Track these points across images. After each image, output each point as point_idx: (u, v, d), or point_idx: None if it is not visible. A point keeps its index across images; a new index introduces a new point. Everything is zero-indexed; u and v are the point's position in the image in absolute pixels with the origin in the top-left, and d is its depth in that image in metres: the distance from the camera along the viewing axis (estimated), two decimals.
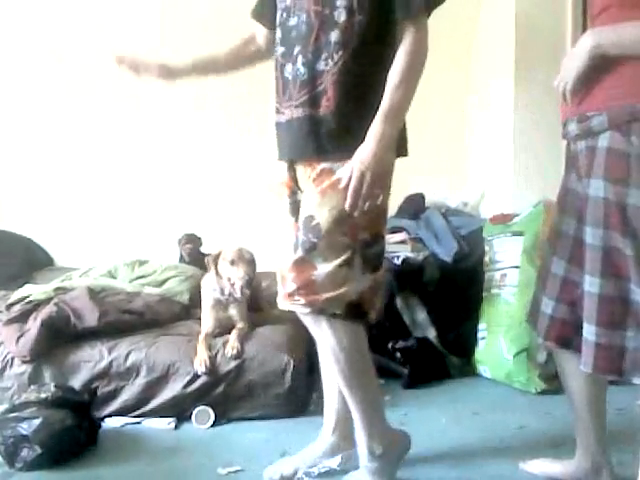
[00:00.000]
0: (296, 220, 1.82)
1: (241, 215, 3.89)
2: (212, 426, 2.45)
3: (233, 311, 2.73)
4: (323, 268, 1.71)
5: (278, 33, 1.81)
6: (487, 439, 2.18)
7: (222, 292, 2.70)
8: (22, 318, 2.67)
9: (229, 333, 2.64)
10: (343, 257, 1.71)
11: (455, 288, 3.11)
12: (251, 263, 2.69)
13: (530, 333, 2.80)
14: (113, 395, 2.50)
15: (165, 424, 2.46)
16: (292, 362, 2.52)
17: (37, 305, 2.74)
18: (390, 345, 2.97)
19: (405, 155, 1.80)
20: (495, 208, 3.33)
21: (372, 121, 1.63)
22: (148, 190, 3.94)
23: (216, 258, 2.68)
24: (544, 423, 2.45)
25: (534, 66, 3.11)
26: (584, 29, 3.05)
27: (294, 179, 1.84)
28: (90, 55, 3.86)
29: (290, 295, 1.77)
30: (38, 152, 3.95)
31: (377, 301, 1.81)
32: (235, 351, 2.52)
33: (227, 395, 2.50)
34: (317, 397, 2.67)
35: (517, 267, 2.92)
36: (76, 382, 2.48)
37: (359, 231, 1.71)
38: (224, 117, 3.88)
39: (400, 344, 2.96)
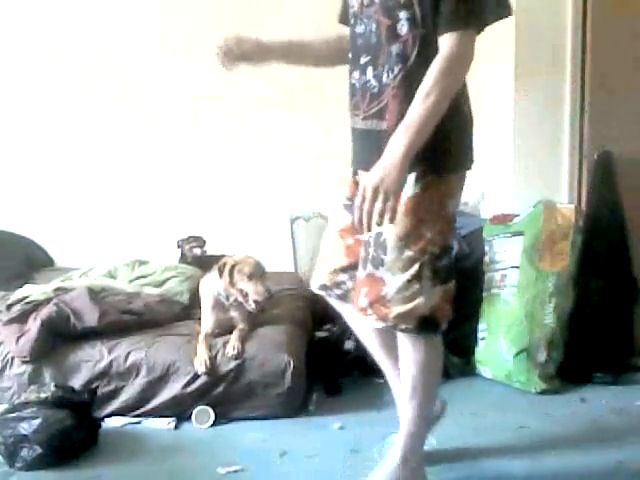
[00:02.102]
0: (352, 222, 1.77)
1: (241, 215, 3.89)
2: (212, 426, 2.45)
3: (234, 313, 2.72)
4: (392, 283, 1.72)
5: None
6: (487, 439, 2.18)
7: (227, 298, 2.71)
8: (22, 318, 2.66)
9: (229, 334, 2.64)
10: (411, 272, 1.71)
11: (455, 288, 3.10)
12: (266, 278, 2.70)
13: (530, 333, 2.81)
14: (113, 395, 2.50)
15: (165, 424, 2.46)
16: (292, 362, 2.52)
17: (37, 305, 2.74)
18: None
19: (468, 168, 1.77)
20: (495, 208, 3.32)
21: (433, 136, 1.59)
22: (148, 190, 3.93)
23: (232, 269, 2.66)
24: (544, 423, 2.44)
25: (534, 66, 3.10)
26: (584, 29, 3.05)
27: (357, 186, 1.75)
28: (90, 55, 3.86)
29: (363, 309, 1.78)
30: (38, 152, 3.94)
31: (448, 311, 1.80)
32: (236, 351, 2.52)
33: (227, 395, 2.49)
34: (317, 397, 2.68)
35: (517, 267, 2.92)
36: (76, 382, 2.48)
37: (427, 245, 1.70)
38: (224, 117, 3.88)
39: None
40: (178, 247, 3.64)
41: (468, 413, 2.53)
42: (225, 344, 2.57)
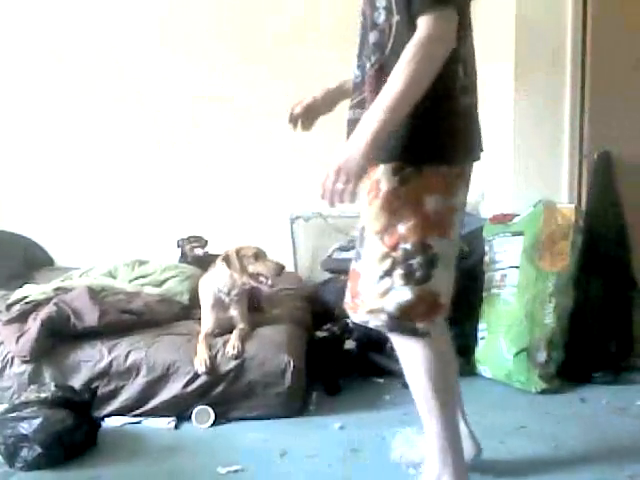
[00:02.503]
0: None
1: (241, 215, 3.89)
2: (212, 426, 2.44)
3: (234, 312, 2.73)
4: (366, 277, 1.71)
5: None
6: (487, 439, 2.18)
7: (229, 293, 2.71)
8: (22, 318, 2.66)
9: (229, 333, 2.64)
10: (383, 267, 1.68)
11: (455, 288, 3.10)
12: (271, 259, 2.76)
13: (530, 333, 2.81)
14: (113, 395, 2.50)
15: (165, 424, 2.46)
16: (292, 362, 2.52)
17: (37, 305, 2.74)
18: (389, 345, 2.96)
19: (451, 163, 1.67)
20: (495, 208, 3.32)
21: (410, 125, 1.57)
22: (148, 190, 3.94)
23: (238, 255, 2.70)
24: (544, 423, 2.44)
25: (534, 66, 3.11)
26: (584, 29, 3.06)
27: None
28: (90, 55, 3.86)
29: (346, 304, 1.80)
30: (38, 152, 3.95)
31: (427, 314, 1.71)
32: (236, 351, 2.52)
33: (227, 395, 2.49)
34: (317, 397, 2.68)
35: (517, 267, 2.92)
36: (76, 382, 2.48)
37: (400, 241, 1.66)
38: (224, 117, 3.88)
39: None
40: (178, 247, 3.64)
41: (468, 413, 2.52)
42: (225, 344, 2.57)
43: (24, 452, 2.11)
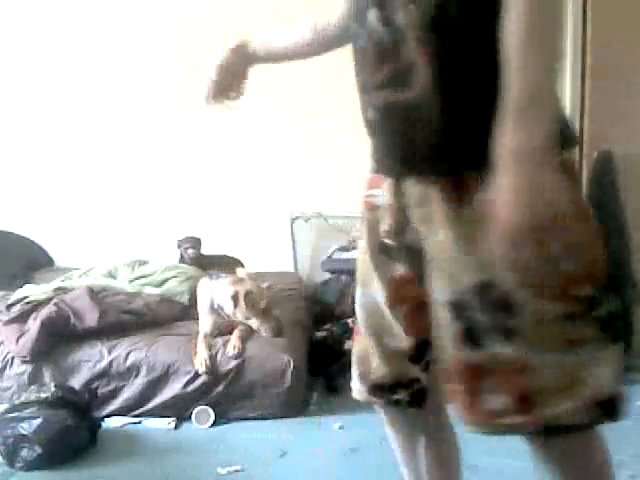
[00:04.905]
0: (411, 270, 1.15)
1: (241, 215, 3.89)
2: (212, 426, 2.45)
3: (233, 318, 2.71)
4: (543, 361, 1.03)
5: None
6: (487, 439, 2.18)
7: (228, 315, 2.69)
8: (22, 318, 2.67)
9: (229, 334, 2.64)
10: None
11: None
12: (275, 307, 2.71)
13: None
14: (113, 395, 2.50)
15: (165, 424, 2.46)
16: (292, 362, 2.52)
17: (37, 305, 2.74)
18: None
19: (571, 146, 1.09)
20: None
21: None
22: (148, 191, 3.93)
23: (247, 298, 2.64)
24: None
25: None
26: (584, 29, 3.05)
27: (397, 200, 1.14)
28: (90, 55, 3.86)
29: (490, 416, 1.08)
30: (38, 152, 3.94)
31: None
32: (236, 350, 2.52)
33: (227, 395, 2.49)
34: (317, 397, 2.68)
35: None
36: (76, 382, 2.48)
37: (576, 286, 1.01)
38: (224, 117, 3.87)
39: None
40: (178, 247, 3.64)
41: None
42: (225, 344, 2.57)
43: (24, 452, 2.11)
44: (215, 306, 2.70)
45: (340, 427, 2.43)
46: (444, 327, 1.07)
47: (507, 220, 0.90)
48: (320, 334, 3.05)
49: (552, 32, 0.93)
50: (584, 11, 3.05)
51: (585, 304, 1.02)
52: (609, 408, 1.08)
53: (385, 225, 1.15)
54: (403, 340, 1.19)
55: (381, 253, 1.18)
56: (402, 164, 1.08)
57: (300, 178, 3.79)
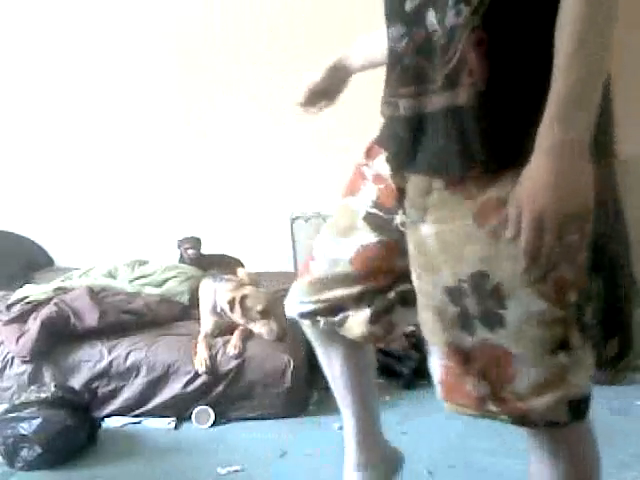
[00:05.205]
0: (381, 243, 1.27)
1: (241, 215, 3.89)
2: (212, 426, 2.45)
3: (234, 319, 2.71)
4: (526, 357, 1.07)
5: None
6: (488, 439, 2.18)
7: (230, 317, 2.68)
8: (22, 318, 2.67)
9: (230, 334, 2.64)
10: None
11: None
12: (282, 315, 2.65)
13: None
14: (113, 395, 2.50)
15: (165, 424, 2.46)
16: (292, 362, 2.52)
17: (37, 305, 2.74)
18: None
19: (610, 157, 1.22)
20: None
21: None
22: (148, 190, 3.93)
23: (243, 304, 2.62)
24: None
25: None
26: None
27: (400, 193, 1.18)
28: (90, 55, 3.86)
29: (478, 401, 1.13)
30: (38, 152, 3.94)
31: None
32: (237, 350, 2.52)
33: (227, 395, 2.50)
34: (317, 397, 2.68)
35: None
36: (76, 382, 2.48)
37: (569, 290, 1.05)
38: (223, 117, 3.88)
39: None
40: (178, 247, 3.64)
41: None
42: (225, 344, 2.57)
43: (24, 452, 2.11)
44: (218, 309, 2.71)
45: (340, 427, 2.42)
46: (439, 311, 1.11)
47: (542, 202, 0.94)
48: None
49: (605, 33, 0.99)
50: None
51: (574, 309, 1.07)
52: (578, 408, 1.10)
53: (373, 196, 1.27)
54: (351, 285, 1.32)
55: (364, 220, 1.29)
56: (426, 159, 1.09)
57: (300, 178, 3.80)
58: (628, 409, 2.57)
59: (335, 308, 1.36)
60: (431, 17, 1.03)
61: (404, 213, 1.15)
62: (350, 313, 1.35)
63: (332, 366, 1.50)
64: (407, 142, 1.11)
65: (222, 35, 3.78)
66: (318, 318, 1.38)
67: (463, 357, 1.10)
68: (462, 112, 1.01)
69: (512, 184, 0.99)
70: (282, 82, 3.69)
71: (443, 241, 1.08)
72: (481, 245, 1.04)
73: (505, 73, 1.00)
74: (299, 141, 3.80)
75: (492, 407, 1.13)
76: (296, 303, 1.42)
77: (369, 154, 1.31)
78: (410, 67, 1.08)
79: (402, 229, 1.18)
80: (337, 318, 1.36)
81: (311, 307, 1.38)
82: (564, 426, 1.11)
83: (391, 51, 1.13)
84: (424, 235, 1.10)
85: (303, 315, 1.41)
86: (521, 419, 1.14)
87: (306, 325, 1.45)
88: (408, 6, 1.07)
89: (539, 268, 0.99)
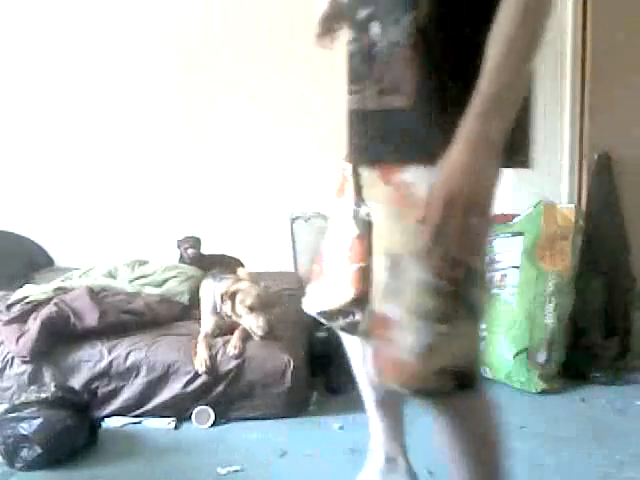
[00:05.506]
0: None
1: (241, 215, 3.89)
2: (212, 426, 2.45)
3: (235, 318, 2.71)
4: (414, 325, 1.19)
5: None
6: None
7: (227, 316, 2.69)
8: (22, 318, 2.66)
9: (230, 334, 2.64)
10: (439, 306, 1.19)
11: None
12: (270, 307, 2.67)
13: (530, 333, 2.81)
14: (113, 395, 2.50)
15: (165, 424, 2.46)
16: (292, 362, 2.52)
17: (37, 305, 2.74)
18: None
19: (525, 166, 1.30)
20: (495, 208, 3.33)
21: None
22: (148, 191, 3.93)
23: (233, 297, 2.63)
24: (544, 423, 2.44)
25: (534, 66, 3.11)
26: (584, 29, 3.06)
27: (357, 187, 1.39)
28: (90, 55, 3.86)
29: (385, 369, 1.25)
30: (38, 152, 3.94)
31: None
32: (237, 350, 2.52)
33: (227, 395, 2.49)
34: (317, 397, 2.68)
35: (517, 267, 2.92)
36: (76, 382, 2.48)
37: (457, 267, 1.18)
38: (223, 117, 3.88)
39: None
40: (178, 247, 3.64)
41: None
42: (225, 344, 2.57)
43: (24, 452, 2.11)
44: (218, 309, 2.71)
45: (340, 427, 2.44)
46: (375, 283, 1.26)
47: (453, 186, 1.07)
48: (320, 334, 3.05)
49: (530, 49, 1.11)
50: (584, 11, 3.06)
51: (462, 286, 1.17)
52: (463, 379, 1.21)
53: (351, 195, 1.42)
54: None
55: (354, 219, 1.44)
56: (366, 154, 1.29)
57: (300, 178, 3.80)
58: (628, 409, 2.58)
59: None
60: (376, 29, 1.19)
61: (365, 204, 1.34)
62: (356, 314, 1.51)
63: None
64: (355, 136, 1.31)
65: (222, 35, 3.78)
66: (337, 317, 1.54)
67: (384, 324, 1.23)
68: (395, 114, 1.18)
69: (424, 170, 1.15)
70: (282, 82, 3.69)
71: (375, 222, 1.27)
72: (393, 223, 1.21)
73: (432, 86, 1.15)
74: (299, 141, 3.80)
75: (390, 376, 1.24)
76: (314, 302, 1.62)
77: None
78: (356, 68, 1.26)
79: (369, 219, 1.32)
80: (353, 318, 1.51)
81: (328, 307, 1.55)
82: (452, 395, 1.21)
83: (346, 51, 1.30)
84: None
85: (321, 314, 1.59)
86: (413, 389, 1.22)
87: (326, 322, 1.61)
88: (359, 15, 1.23)
89: (439, 245, 1.11)
